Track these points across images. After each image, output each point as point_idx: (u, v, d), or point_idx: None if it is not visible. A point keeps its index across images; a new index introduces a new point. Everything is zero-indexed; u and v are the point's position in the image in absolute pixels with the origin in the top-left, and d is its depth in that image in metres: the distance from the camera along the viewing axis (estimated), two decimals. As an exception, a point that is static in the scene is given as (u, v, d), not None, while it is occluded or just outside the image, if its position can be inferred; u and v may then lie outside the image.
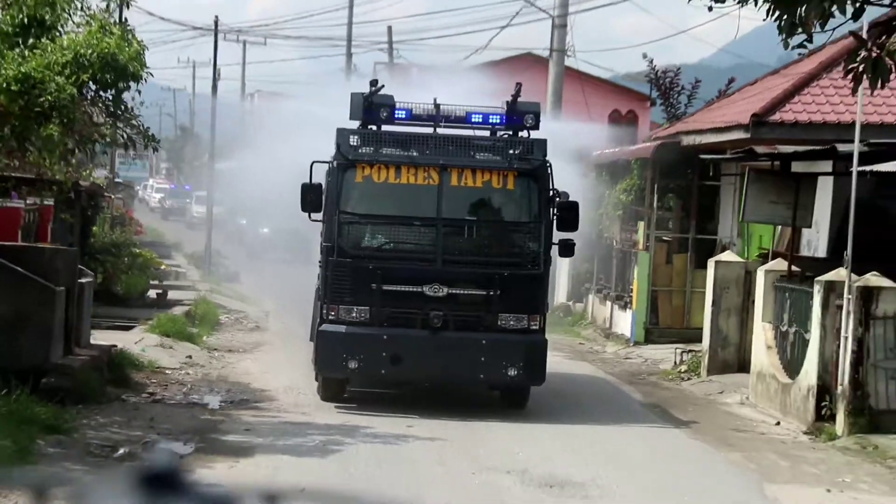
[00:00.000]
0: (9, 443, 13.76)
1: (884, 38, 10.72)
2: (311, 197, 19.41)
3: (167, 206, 75.01)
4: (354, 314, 19.20)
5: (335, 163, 19.44)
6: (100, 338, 21.79)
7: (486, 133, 20.64)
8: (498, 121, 20.46)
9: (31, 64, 16.19)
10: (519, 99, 20.27)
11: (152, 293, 32.45)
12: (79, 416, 16.84)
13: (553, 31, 38.28)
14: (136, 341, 23.77)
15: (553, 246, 19.61)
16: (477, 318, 19.24)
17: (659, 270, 29.34)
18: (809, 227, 22.11)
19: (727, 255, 25.36)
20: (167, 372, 22.20)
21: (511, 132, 20.34)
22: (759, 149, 22.74)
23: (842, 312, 18.55)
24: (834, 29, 11.14)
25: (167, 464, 4.12)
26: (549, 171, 19.48)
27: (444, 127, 20.31)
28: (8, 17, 16.27)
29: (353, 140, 19.53)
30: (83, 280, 20.17)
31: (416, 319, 19.11)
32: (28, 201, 21.88)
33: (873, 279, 18.55)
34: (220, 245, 44.85)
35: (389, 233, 19.64)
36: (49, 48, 16.58)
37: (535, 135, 20.11)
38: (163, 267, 37.29)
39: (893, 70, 10.82)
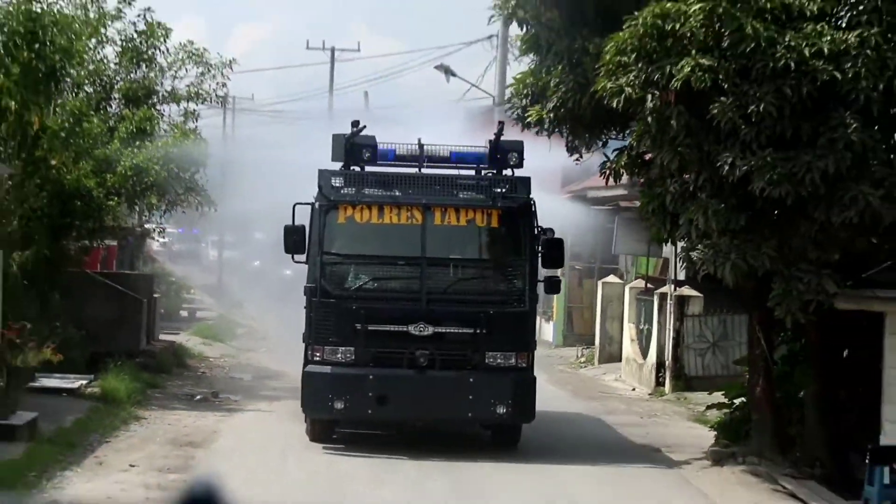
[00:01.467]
0: (137, 386, 23.73)
1: None
2: (294, 239, 19.33)
3: (174, 249, 74.93)
4: (340, 355, 19.06)
5: (317, 204, 19.37)
6: (160, 338, 32.18)
7: (471, 172, 20.59)
8: (481, 160, 20.41)
9: (139, 157, 25.01)
10: (502, 138, 20.22)
11: (184, 311, 43.03)
12: (163, 380, 26.70)
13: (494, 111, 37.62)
14: (185, 340, 34.56)
15: (539, 283, 19.50)
16: (464, 356, 19.09)
17: (573, 291, 38.32)
18: (660, 257, 30.34)
19: (610, 278, 34.75)
20: (210, 359, 32.60)
21: (495, 171, 20.28)
22: (623, 203, 29.91)
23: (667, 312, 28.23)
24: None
25: (209, 490, 4.28)
26: (534, 209, 19.41)
27: (428, 167, 20.26)
28: (123, 129, 25.23)
29: (335, 181, 19.47)
30: (154, 296, 31.56)
31: (402, 359, 18.97)
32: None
33: (686, 291, 28.20)
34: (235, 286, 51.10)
35: (373, 273, 19.52)
36: (149, 147, 25.31)
37: (518, 173, 20.06)
38: (192, 291, 47.38)
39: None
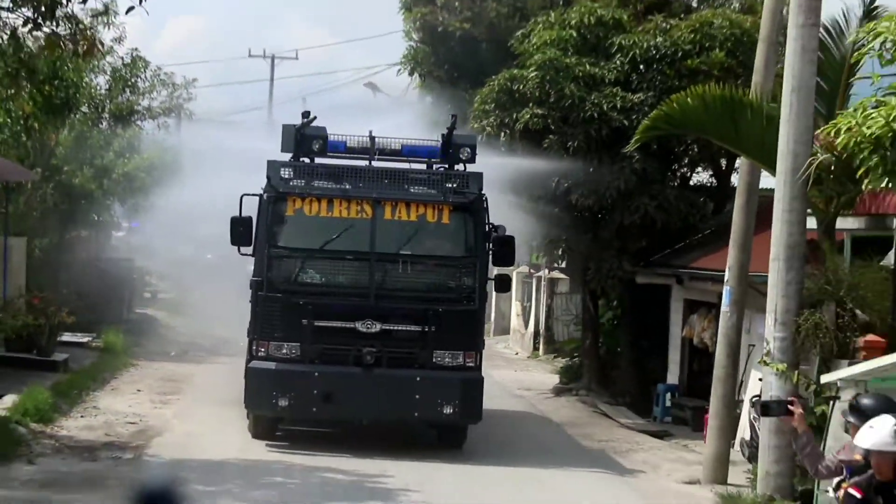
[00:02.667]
0: (128, 342, 30.18)
1: None
2: (240, 230, 18.89)
3: (131, 242, 71.85)
4: (285, 350, 18.65)
5: (265, 195, 18.93)
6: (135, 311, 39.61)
7: (422, 166, 20.23)
8: (433, 154, 20.05)
9: (129, 166, 33.84)
10: (455, 132, 19.87)
11: (147, 294, 46.23)
12: (144, 341, 32.93)
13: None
14: (154, 313, 41.10)
15: (489, 281, 19.19)
16: (411, 354, 18.73)
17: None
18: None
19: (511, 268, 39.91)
20: (175, 328, 37.18)
21: (447, 165, 19.93)
22: None
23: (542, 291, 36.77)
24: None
25: (164, 482, 4.27)
26: (485, 205, 19.07)
27: (379, 160, 19.88)
28: (116, 143, 31.68)
29: (285, 172, 19.04)
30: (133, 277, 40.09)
31: (348, 356, 18.58)
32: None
33: (556, 273, 35.31)
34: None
35: (321, 267, 19.08)
36: (136, 158, 34.08)
37: (471, 168, 19.72)
38: (151, 278, 48.94)
39: None
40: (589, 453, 20.62)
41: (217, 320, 30.90)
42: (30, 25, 15.86)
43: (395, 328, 18.74)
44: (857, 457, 8.66)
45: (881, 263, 18.30)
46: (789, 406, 9.75)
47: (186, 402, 23.19)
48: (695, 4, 27.83)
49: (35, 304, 25.09)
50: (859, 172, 12.97)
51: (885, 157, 12.54)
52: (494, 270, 19.55)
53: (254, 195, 18.98)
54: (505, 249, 19.11)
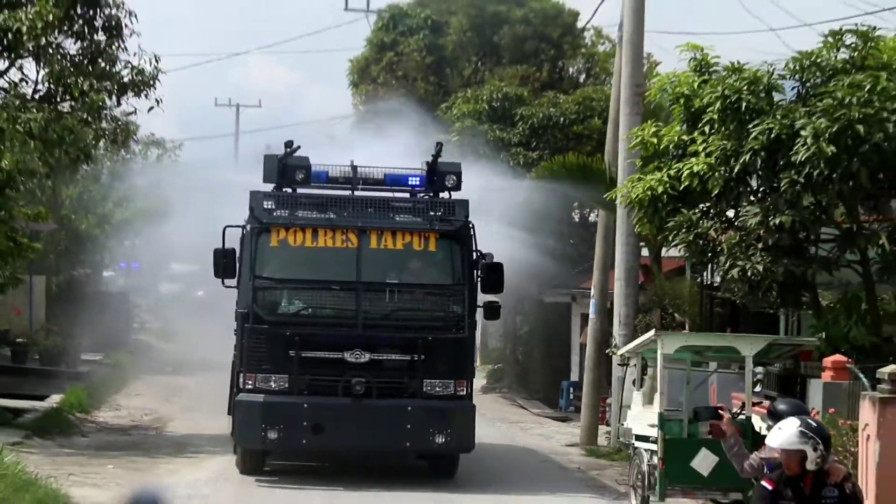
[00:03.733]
0: (131, 360, 38.08)
1: None
2: (224, 262, 18.62)
3: (119, 283, 71.94)
4: (273, 383, 18.33)
5: (249, 226, 18.68)
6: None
7: (407, 195, 20.03)
8: (417, 182, 19.86)
9: (125, 214, 39.35)
10: (439, 159, 19.69)
11: (136, 325, 50.16)
12: (144, 359, 40.06)
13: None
14: (147, 339, 48.23)
15: (478, 308, 18.96)
16: (401, 384, 18.46)
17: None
18: None
19: None
20: (167, 351, 43.82)
21: (432, 193, 19.73)
22: None
23: None
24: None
25: (153, 499, 4.37)
26: (472, 232, 18.86)
27: (362, 189, 19.66)
28: (114, 195, 38.61)
29: (268, 203, 18.80)
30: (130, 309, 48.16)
31: (337, 387, 18.28)
32: None
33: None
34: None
35: (307, 298, 18.79)
36: (132, 207, 39.33)
37: (456, 195, 19.54)
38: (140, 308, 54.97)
39: None
40: (501, 430, 26.22)
41: (200, 345, 36.02)
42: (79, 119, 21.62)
43: (384, 357, 18.46)
44: (775, 455, 9.51)
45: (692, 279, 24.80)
46: (719, 411, 10.92)
47: (187, 401, 29.49)
48: (582, 80, 37.67)
49: (55, 329, 31.63)
50: (635, 221, 19.93)
51: (645, 212, 18.73)
52: (483, 298, 19.22)
53: (237, 227, 18.74)
54: (493, 276, 18.87)
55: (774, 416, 10.39)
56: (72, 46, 22.01)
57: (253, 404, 18.25)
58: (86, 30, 21.94)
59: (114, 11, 22.03)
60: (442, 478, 19.02)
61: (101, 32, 22.00)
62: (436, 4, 41.42)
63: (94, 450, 21.02)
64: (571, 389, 30.81)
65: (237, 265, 18.68)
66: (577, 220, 33.97)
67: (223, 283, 18.74)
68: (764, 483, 9.50)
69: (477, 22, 39.47)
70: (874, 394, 14.36)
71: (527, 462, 22.19)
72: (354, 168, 19.71)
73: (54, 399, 25.66)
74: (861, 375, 16.20)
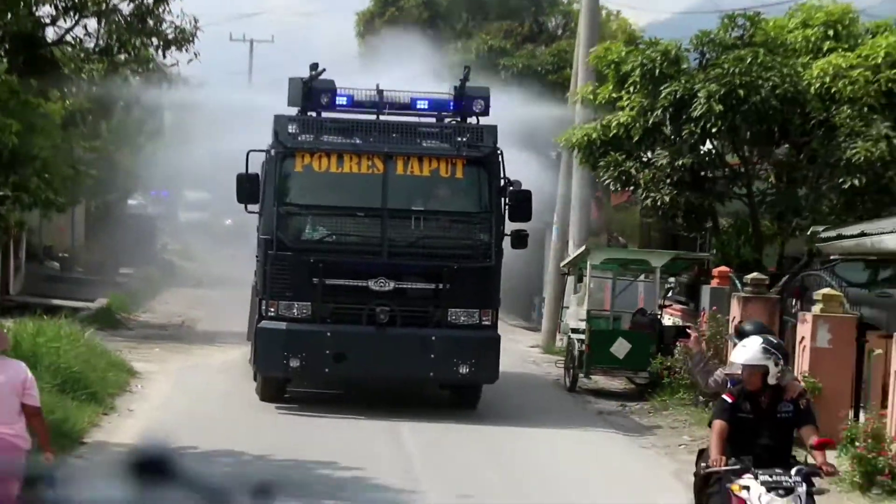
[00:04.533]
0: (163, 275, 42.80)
1: None
2: (247, 188, 18.31)
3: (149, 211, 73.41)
4: (295, 310, 18.08)
5: (273, 151, 18.32)
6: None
7: (433, 120, 19.64)
8: (443, 107, 19.45)
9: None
10: (467, 83, 19.26)
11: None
12: (173, 274, 44.42)
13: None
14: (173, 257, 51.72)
15: (505, 237, 18.62)
16: (425, 313, 18.19)
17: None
18: None
19: None
20: (194, 266, 48.22)
21: (459, 118, 19.33)
22: None
23: None
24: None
25: (160, 450, 4.13)
26: (501, 159, 18.48)
27: (388, 114, 19.27)
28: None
29: (292, 127, 18.42)
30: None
31: (361, 315, 18.03)
32: None
33: None
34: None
35: (332, 224, 18.48)
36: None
37: (484, 121, 19.13)
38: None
39: None
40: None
41: (218, 263, 39.55)
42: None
43: (409, 286, 18.18)
44: (738, 371, 10.19)
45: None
46: (686, 330, 12.37)
47: (211, 308, 32.00)
48: (559, 34, 40.64)
49: (94, 247, 37.84)
50: (578, 162, 24.53)
51: (583, 154, 22.70)
52: (510, 226, 18.89)
53: (260, 151, 18.40)
54: (522, 204, 18.52)
55: (740, 335, 10.81)
56: (126, 8, 25.93)
57: (275, 332, 18.01)
58: None
59: None
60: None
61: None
62: None
63: (139, 339, 25.84)
64: (541, 303, 32.00)
65: (260, 191, 18.37)
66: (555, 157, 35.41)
67: (245, 208, 18.44)
68: (725, 396, 10.17)
69: None
70: (741, 294, 19.16)
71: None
72: (380, 92, 19.29)
73: (101, 302, 29.82)
74: (737, 281, 20.10)
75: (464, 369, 18.08)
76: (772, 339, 10.30)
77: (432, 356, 18.01)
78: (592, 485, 14.92)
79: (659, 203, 21.73)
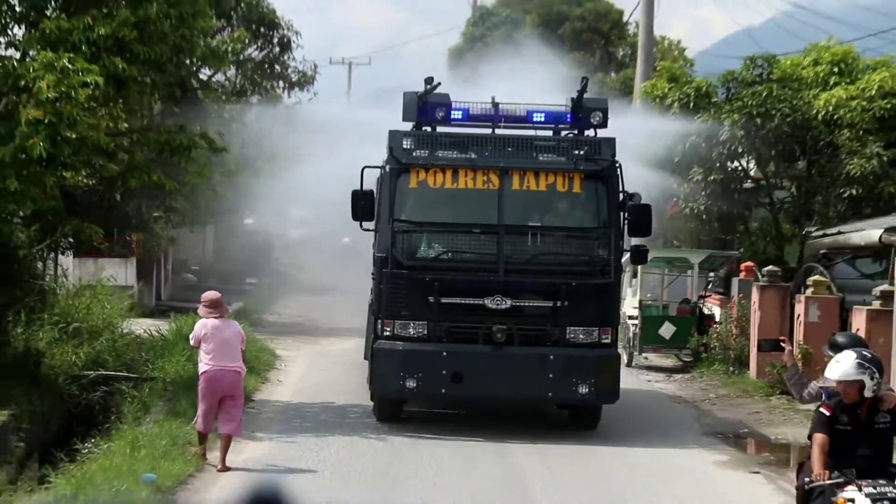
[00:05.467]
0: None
1: None
2: (362, 205, 18.05)
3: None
4: (412, 330, 17.77)
5: (388, 167, 18.04)
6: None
7: (549, 133, 19.22)
8: (561, 119, 19.03)
9: None
10: (585, 95, 18.82)
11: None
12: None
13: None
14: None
15: (624, 252, 18.15)
16: (543, 331, 17.76)
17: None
18: None
19: None
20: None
21: (577, 131, 18.89)
22: None
23: None
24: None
25: (274, 490, 4.25)
26: (619, 172, 18.00)
27: (504, 127, 18.89)
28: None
29: (407, 143, 18.11)
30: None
31: (477, 334, 17.67)
32: None
33: None
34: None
35: (447, 241, 18.12)
36: None
37: (602, 133, 18.67)
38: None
39: None
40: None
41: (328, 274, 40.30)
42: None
43: (526, 304, 17.77)
44: (833, 384, 10.37)
45: None
46: (781, 343, 11.94)
47: (325, 310, 35.19)
48: (627, 61, 48.82)
49: (222, 260, 43.91)
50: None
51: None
52: (630, 241, 18.42)
53: (376, 167, 18.14)
54: (642, 219, 18.00)
55: (834, 348, 11.01)
56: (257, 56, 30.77)
57: (392, 352, 17.71)
58: (266, 45, 31.36)
59: (285, 32, 31.45)
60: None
61: (276, 47, 31.51)
62: (515, 5, 55.63)
63: (274, 333, 30.34)
64: None
65: (375, 207, 18.11)
66: None
67: (361, 226, 18.18)
68: (822, 409, 10.33)
69: (546, 18, 53.24)
70: (758, 283, 24.25)
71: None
72: (496, 105, 18.93)
73: (237, 305, 33.25)
74: (758, 273, 25.03)
75: (583, 389, 17.62)
76: (866, 352, 10.41)
77: (551, 376, 17.59)
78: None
79: (696, 211, 27.04)
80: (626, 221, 18.01)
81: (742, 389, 23.37)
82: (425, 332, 17.69)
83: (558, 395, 17.85)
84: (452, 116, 18.85)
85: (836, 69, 26.47)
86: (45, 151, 17.49)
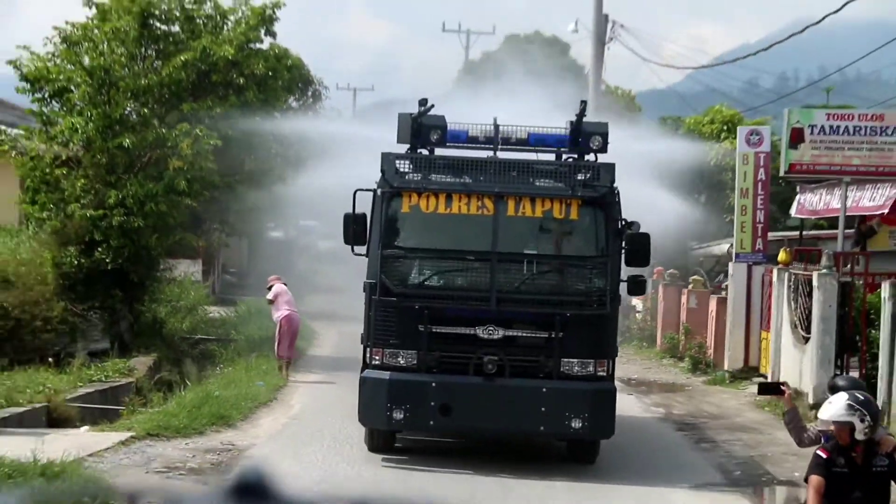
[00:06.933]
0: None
1: None
2: (354, 228, 17.53)
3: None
4: (400, 359, 17.24)
5: (380, 190, 17.51)
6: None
7: (552, 156, 18.65)
8: (562, 143, 18.45)
9: None
10: (584, 118, 18.24)
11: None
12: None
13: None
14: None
15: (621, 283, 17.55)
16: (537, 363, 17.18)
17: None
18: None
19: None
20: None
21: (576, 155, 18.32)
22: None
23: None
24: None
25: (259, 476, 4.32)
26: (618, 200, 17.41)
27: (504, 149, 18.33)
28: None
29: (400, 165, 17.60)
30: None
31: (468, 365, 17.11)
32: None
33: None
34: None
35: (439, 268, 17.57)
36: None
37: (602, 158, 18.09)
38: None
39: None
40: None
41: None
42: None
43: (520, 334, 17.21)
44: (832, 427, 10.31)
45: None
46: (781, 387, 11.97)
47: (343, 304, 33.56)
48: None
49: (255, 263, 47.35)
50: None
51: None
52: (627, 271, 17.81)
53: (368, 190, 17.62)
54: (640, 248, 17.41)
55: (833, 390, 10.93)
56: (296, 106, 34.94)
57: (379, 382, 17.17)
58: (302, 96, 35.95)
59: (317, 86, 36.40)
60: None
61: (310, 98, 36.34)
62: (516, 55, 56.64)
63: (306, 318, 32.73)
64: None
65: (367, 232, 17.60)
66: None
67: (352, 250, 17.67)
68: (819, 451, 10.33)
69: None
70: (663, 283, 34.81)
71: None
72: (496, 127, 18.37)
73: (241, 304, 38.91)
74: (665, 276, 34.75)
75: (576, 423, 17.03)
76: (859, 395, 10.34)
77: (543, 409, 17.00)
78: None
79: None
80: (623, 251, 17.41)
81: (648, 357, 33.79)
82: (414, 362, 17.15)
83: (551, 429, 17.26)
84: (450, 138, 18.31)
85: (725, 127, 37.74)
86: (186, 187, 28.08)
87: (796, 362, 24.26)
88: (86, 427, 19.65)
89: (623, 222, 17.34)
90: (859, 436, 10.08)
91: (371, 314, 17.37)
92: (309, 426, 20.20)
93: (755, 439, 20.97)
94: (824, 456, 10.21)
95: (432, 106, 18.00)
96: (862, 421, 10.06)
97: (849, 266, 24.47)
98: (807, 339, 23.72)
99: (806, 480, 10.36)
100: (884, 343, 20.51)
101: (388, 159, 17.59)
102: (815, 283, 23.26)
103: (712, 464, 18.91)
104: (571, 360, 17.11)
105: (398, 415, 17.05)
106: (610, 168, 17.58)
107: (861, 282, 23.98)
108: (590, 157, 18.18)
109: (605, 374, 17.26)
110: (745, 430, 22.02)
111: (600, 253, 17.36)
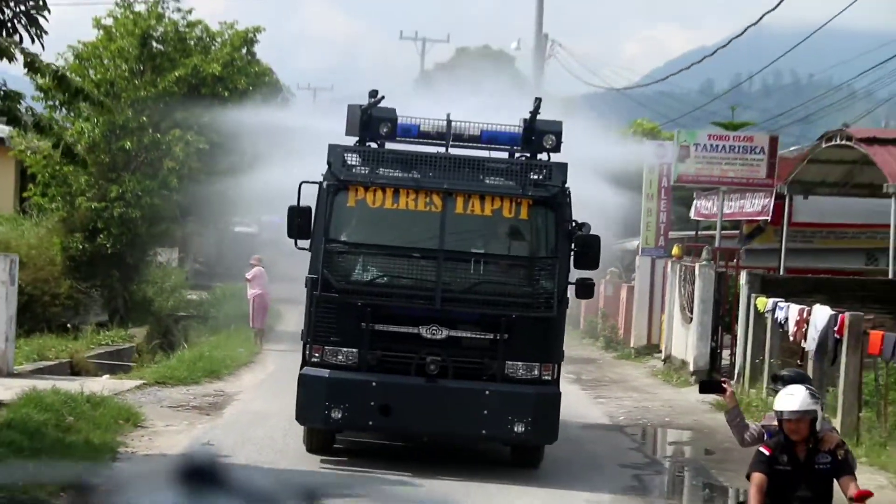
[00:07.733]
0: None
1: None
2: (298, 222, 17.04)
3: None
4: (340, 357, 16.78)
5: (325, 183, 17.04)
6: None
7: (504, 154, 18.22)
8: (514, 141, 18.02)
9: None
10: (538, 116, 17.81)
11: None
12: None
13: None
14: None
15: (570, 285, 17.12)
16: (481, 365, 16.75)
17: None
18: None
19: None
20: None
21: (529, 154, 17.90)
22: None
23: None
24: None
25: (209, 458, 4.28)
26: (568, 200, 17.00)
27: (455, 146, 17.88)
28: None
29: (348, 158, 17.14)
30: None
31: (410, 365, 16.67)
32: None
33: None
34: None
35: (383, 265, 17.08)
36: None
37: (555, 157, 17.67)
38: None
39: None
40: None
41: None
42: None
43: (464, 335, 16.76)
44: (774, 423, 10.30)
45: None
46: (722, 384, 11.61)
47: (297, 289, 37.82)
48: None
49: (220, 254, 53.82)
50: None
51: None
52: (576, 274, 17.37)
53: (313, 183, 17.14)
54: (589, 250, 16.98)
55: (780, 381, 10.82)
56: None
57: (317, 380, 16.70)
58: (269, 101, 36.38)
59: (285, 94, 39.59)
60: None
61: (279, 102, 37.36)
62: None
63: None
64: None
65: (312, 225, 17.12)
66: None
67: (296, 244, 17.18)
68: (761, 448, 10.20)
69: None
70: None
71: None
72: (449, 122, 17.91)
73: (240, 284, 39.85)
74: None
75: (519, 428, 16.60)
76: (810, 387, 10.36)
77: (485, 412, 16.57)
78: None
79: None
80: (573, 252, 17.00)
81: (571, 337, 31.90)
82: (355, 360, 16.71)
83: (493, 432, 16.82)
84: (401, 132, 17.87)
85: (645, 138, 40.23)
86: (177, 184, 33.22)
87: (683, 338, 29.71)
88: (107, 376, 25.15)
89: (573, 224, 16.93)
90: (818, 426, 10.03)
91: (312, 310, 16.92)
92: (281, 381, 22.22)
93: (643, 396, 26.35)
94: (767, 453, 10.10)
95: (382, 97, 17.55)
96: (822, 409, 10.13)
97: (735, 260, 30.87)
98: (691, 319, 28.96)
99: (748, 477, 10.19)
100: (741, 318, 26.25)
101: (335, 151, 17.15)
102: (696, 272, 28.70)
103: (604, 412, 23.68)
104: (516, 362, 16.69)
105: (336, 414, 16.59)
106: (562, 168, 17.18)
107: (734, 273, 29.19)
108: (542, 156, 17.75)
109: (550, 377, 16.85)
110: (637, 390, 27.49)
111: (549, 254, 16.95)
